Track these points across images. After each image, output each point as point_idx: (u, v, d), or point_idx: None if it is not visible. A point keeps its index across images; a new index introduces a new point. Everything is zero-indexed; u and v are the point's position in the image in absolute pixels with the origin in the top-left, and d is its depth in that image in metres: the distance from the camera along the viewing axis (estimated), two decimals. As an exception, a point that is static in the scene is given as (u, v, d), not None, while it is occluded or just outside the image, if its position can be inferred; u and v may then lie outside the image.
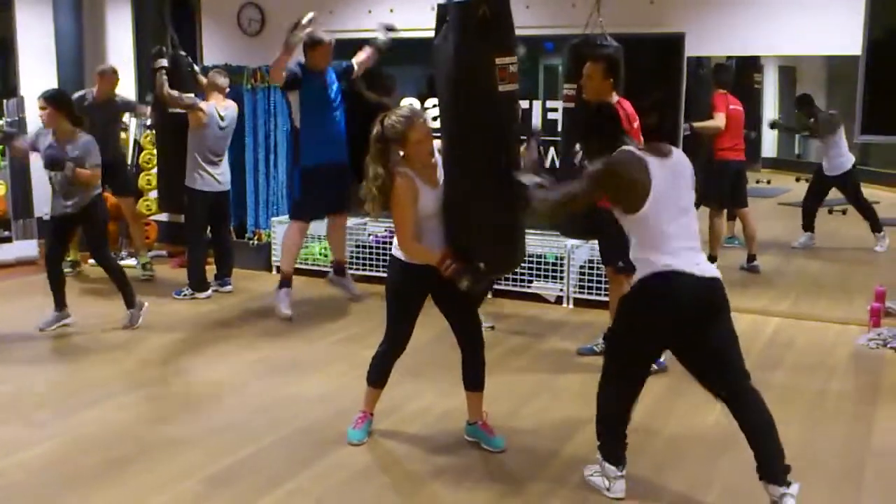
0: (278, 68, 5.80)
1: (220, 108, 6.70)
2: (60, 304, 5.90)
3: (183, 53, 6.90)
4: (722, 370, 3.41)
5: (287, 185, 7.40)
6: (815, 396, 4.75)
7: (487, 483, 3.72)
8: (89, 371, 5.15)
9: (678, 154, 3.46)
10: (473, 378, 4.04)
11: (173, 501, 3.54)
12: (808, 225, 8.46)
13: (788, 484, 3.29)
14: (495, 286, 6.71)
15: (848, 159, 8.15)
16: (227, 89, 6.87)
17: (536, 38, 6.82)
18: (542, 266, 6.66)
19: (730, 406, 3.42)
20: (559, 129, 6.04)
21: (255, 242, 7.85)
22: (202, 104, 6.55)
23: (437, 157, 3.83)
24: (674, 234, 3.32)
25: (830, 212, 9.49)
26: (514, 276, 6.58)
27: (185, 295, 6.76)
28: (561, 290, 6.65)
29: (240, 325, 6.11)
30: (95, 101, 7.10)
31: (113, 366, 5.23)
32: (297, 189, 6.13)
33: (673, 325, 3.37)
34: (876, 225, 8.24)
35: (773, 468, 3.32)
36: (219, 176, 6.75)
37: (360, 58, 6.20)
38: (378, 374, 4.08)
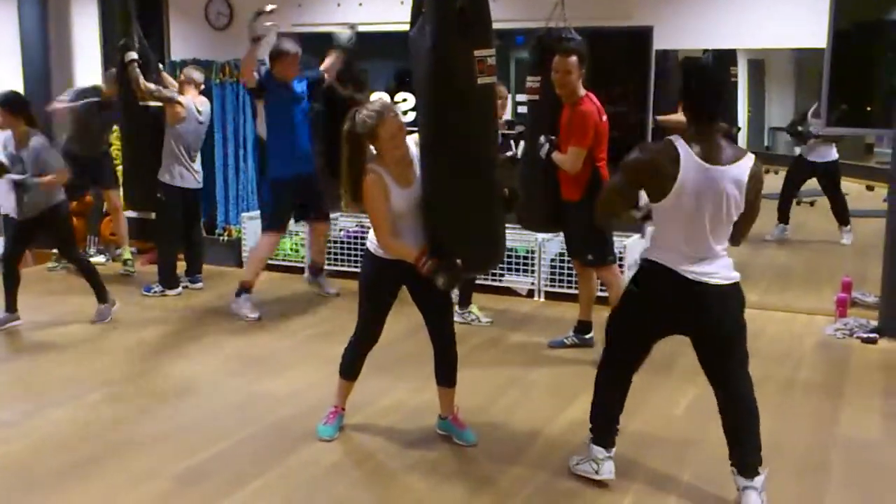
0: (249, 66, 5.76)
1: (197, 103, 6.65)
2: (11, 306, 5.82)
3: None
4: (719, 369, 3.43)
5: (257, 196, 7.39)
6: (782, 386, 4.80)
7: (459, 476, 3.72)
8: (56, 369, 5.09)
9: (738, 166, 3.19)
10: (446, 374, 4.03)
11: (142, 500, 3.51)
12: (784, 216, 8.54)
13: (754, 476, 3.33)
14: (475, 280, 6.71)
15: (833, 147, 8.26)
16: (203, 85, 6.82)
17: (506, 31, 6.83)
18: (513, 259, 6.67)
19: (719, 395, 3.44)
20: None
21: (226, 238, 7.80)
22: (180, 97, 6.49)
23: (414, 154, 3.79)
24: (683, 236, 3.23)
25: (798, 203, 9.58)
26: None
27: (155, 292, 6.70)
28: (532, 283, 6.67)
29: (210, 322, 6.06)
30: (101, 97, 7.04)
31: (81, 364, 5.18)
32: (267, 201, 6.12)
33: (651, 316, 3.40)
34: (844, 218, 8.34)
35: (745, 460, 3.36)
36: (196, 173, 6.70)
37: (327, 63, 6.17)
38: (350, 367, 4.08)
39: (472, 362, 4.97)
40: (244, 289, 6.15)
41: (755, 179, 3.24)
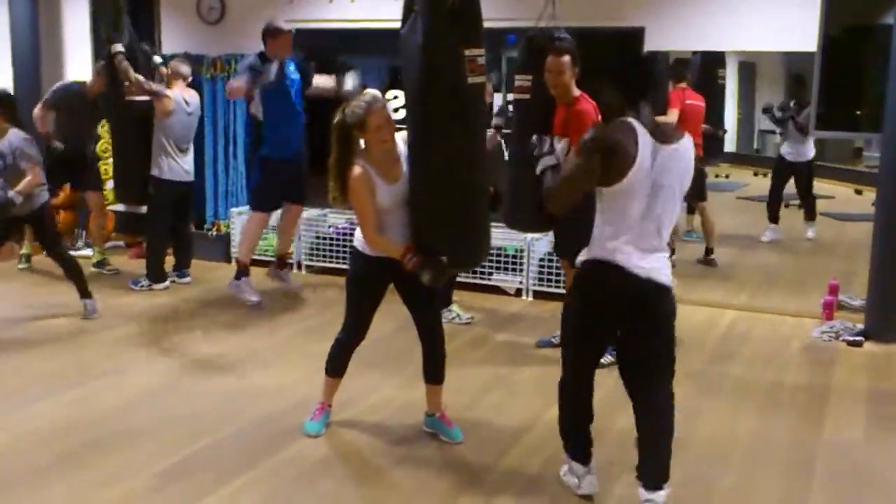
0: (237, 94, 5.80)
1: (185, 95, 6.63)
2: None
3: (144, 46, 6.80)
4: (643, 376, 3.31)
5: (247, 175, 7.31)
6: (769, 388, 4.82)
7: (445, 474, 3.72)
8: (38, 364, 5.05)
9: (681, 145, 3.17)
10: (433, 371, 4.03)
11: (124, 496, 3.49)
12: (774, 217, 8.66)
13: (656, 490, 3.26)
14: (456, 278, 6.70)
15: (812, 148, 8.40)
16: (190, 78, 6.79)
17: (498, 30, 6.82)
18: (502, 258, 6.67)
19: (636, 410, 3.34)
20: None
21: (214, 233, 7.77)
22: (168, 91, 6.47)
23: (402, 151, 3.79)
24: (635, 224, 3.12)
25: (787, 205, 9.64)
26: (475, 269, 6.59)
27: (142, 286, 6.68)
28: (520, 282, 6.67)
29: (197, 317, 6.04)
30: (84, 92, 6.93)
31: (65, 358, 5.15)
32: (258, 179, 6.10)
33: (598, 316, 3.28)
34: (812, 214, 8.68)
35: (651, 472, 3.29)
36: (186, 166, 6.69)
37: (321, 82, 6.04)
38: (336, 364, 4.07)
39: (459, 361, 4.97)
40: (241, 270, 6.17)
41: (694, 156, 3.22)
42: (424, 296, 3.92)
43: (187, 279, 6.91)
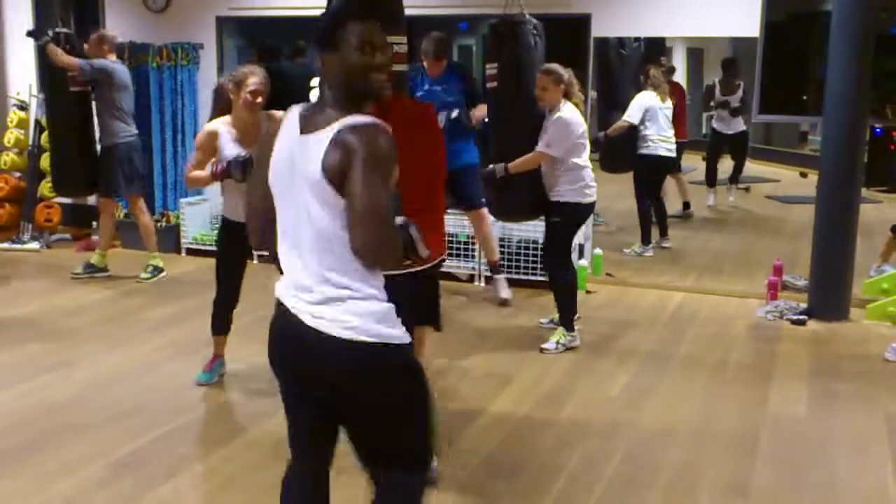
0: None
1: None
2: None
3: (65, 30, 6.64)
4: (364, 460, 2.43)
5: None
6: (715, 366, 4.92)
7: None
8: (-11, 358, 4.99)
9: (329, 128, 2.07)
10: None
11: (76, 487, 3.47)
12: (711, 182, 9.21)
13: None
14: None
15: (741, 120, 9.04)
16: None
17: (450, 17, 6.83)
18: (454, 245, 6.69)
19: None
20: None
21: (164, 224, 7.69)
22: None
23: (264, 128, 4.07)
24: (283, 249, 2.24)
25: (741, 188, 9.87)
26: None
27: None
28: (473, 268, 6.71)
29: (148, 308, 5.99)
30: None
31: (14, 351, 5.07)
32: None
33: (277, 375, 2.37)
34: (735, 178, 9.37)
35: None
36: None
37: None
38: (219, 325, 4.58)
39: (412, 346, 4.98)
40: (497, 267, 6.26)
41: (345, 148, 2.03)
42: (244, 261, 4.50)
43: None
